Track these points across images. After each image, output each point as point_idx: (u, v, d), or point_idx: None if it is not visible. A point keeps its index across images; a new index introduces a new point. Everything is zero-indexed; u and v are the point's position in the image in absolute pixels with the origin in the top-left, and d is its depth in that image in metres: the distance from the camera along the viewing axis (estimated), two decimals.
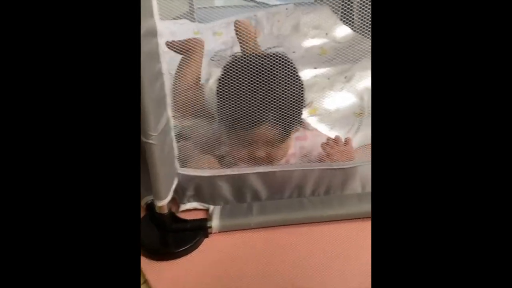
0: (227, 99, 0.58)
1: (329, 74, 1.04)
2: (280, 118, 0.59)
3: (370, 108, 0.90)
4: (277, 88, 0.57)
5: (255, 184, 0.67)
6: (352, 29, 1.29)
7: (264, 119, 0.59)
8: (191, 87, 0.81)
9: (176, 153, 0.63)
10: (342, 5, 1.19)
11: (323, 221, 0.67)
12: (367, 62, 1.03)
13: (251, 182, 0.66)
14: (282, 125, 0.60)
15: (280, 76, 0.57)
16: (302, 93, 0.61)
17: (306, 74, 1.06)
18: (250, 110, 0.57)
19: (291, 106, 0.58)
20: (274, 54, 0.59)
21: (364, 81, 0.98)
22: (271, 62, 0.57)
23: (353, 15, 1.20)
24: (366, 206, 0.66)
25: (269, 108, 0.58)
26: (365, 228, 0.65)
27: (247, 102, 0.57)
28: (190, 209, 0.69)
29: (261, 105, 0.57)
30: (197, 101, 0.72)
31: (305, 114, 0.88)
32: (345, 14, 1.23)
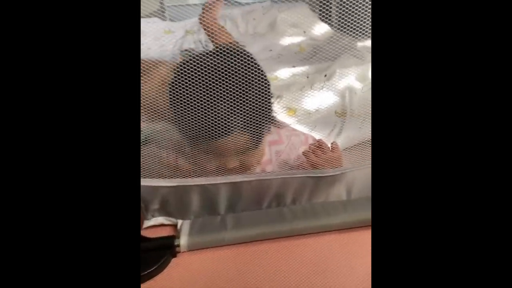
0: (182, 108, 0.48)
1: (308, 72, 0.98)
2: (249, 120, 0.50)
3: (352, 108, 0.85)
4: (240, 88, 0.48)
5: (229, 194, 0.59)
6: (330, 26, 1.24)
7: (231, 127, 0.50)
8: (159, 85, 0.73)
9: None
10: (320, 2, 1.15)
11: (306, 232, 0.60)
12: (348, 59, 0.98)
13: (225, 192, 0.59)
14: (253, 129, 0.52)
15: (240, 74, 0.48)
16: (268, 88, 0.53)
17: (283, 73, 1.00)
18: (212, 118, 0.49)
19: (258, 106, 0.50)
20: (228, 49, 0.50)
21: (345, 79, 0.93)
22: (226, 59, 0.48)
23: (331, 12, 1.16)
24: (353, 216, 0.60)
25: (234, 114, 0.49)
26: (350, 240, 0.59)
27: (207, 110, 0.48)
28: (155, 225, 0.61)
29: (224, 112, 0.49)
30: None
31: (279, 112, 0.81)
32: (323, 11, 1.19)
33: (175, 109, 0.49)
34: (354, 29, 0.54)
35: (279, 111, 0.80)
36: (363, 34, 0.55)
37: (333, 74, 0.96)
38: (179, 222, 0.60)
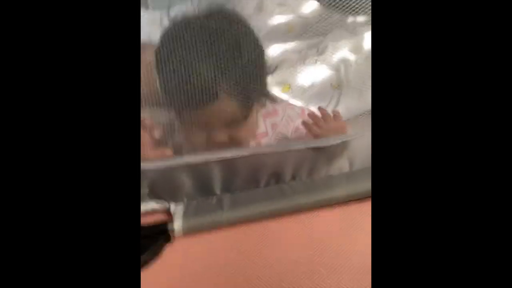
0: (169, 73, 0.45)
1: (300, 48, 0.94)
2: (238, 86, 0.46)
3: (348, 79, 0.81)
4: (230, 51, 0.45)
5: (224, 173, 0.55)
6: (320, 2, 1.20)
7: (217, 90, 0.46)
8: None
9: None
10: None
11: (308, 209, 0.56)
12: (340, 33, 0.94)
13: (218, 171, 0.54)
14: (242, 95, 0.47)
15: (232, 37, 0.45)
16: (261, 55, 0.49)
17: (274, 50, 0.96)
18: (199, 82, 0.45)
19: (249, 71, 0.46)
20: (220, 11, 0.46)
21: (338, 52, 0.89)
22: (218, 22, 0.44)
23: None
24: (356, 187, 0.56)
25: (223, 77, 0.45)
26: (357, 213, 0.55)
27: (194, 73, 0.45)
28: (147, 210, 0.57)
29: (212, 75, 0.45)
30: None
31: (274, 89, 0.77)
32: None
33: (161, 74, 0.45)
34: (344, 5, 0.52)
35: (273, 87, 0.76)
36: (353, 10, 0.53)
37: (326, 48, 0.92)
38: (172, 205, 0.56)
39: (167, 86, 0.46)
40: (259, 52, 0.49)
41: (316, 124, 0.56)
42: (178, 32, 0.44)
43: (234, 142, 0.53)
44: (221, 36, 0.44)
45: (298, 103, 0.75)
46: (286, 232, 0.53)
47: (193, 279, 0.49)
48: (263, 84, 0.53)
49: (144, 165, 0.52)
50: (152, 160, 0.53)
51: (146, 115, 0.53)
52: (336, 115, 0.58)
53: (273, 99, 0.65)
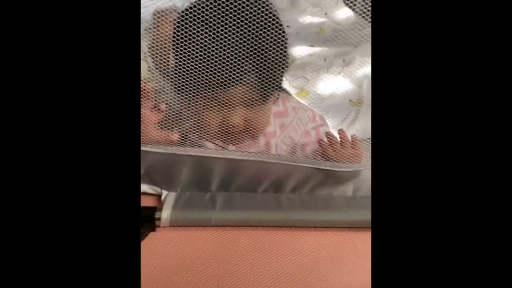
0: (189, 49, 0.42)
1: (326, 54, 0.91)
2: (260, 75, 0.44)
3: (369, 98, 0.78)
4: (255, 38, 0.42)
5: (224, 171, 0.53)
6: (354, 12, 1.16)
7: (240, 78, 0.44)
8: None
9: None
10: None
11: (301, 226, 0.54)
12: (369, 48, 0.90)
13: (219, 168, 0.52)
14: (262, 84, 0.45)
15: (257, 24, 0.42)
16: (285, 46, 0.47)
17: (300, 51, 0.92)
18: (221, 68, 0.43)
19: (272, 61, 0.44)
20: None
21: (364, 67, 0.85)
22: (245, 6, 0.41)
23: None
24: (356, 214, 0.54)
25: (246, 65, 0.43)
26: (350, 240, 0.53)
27: (216, 58, 0.42)
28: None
29: (235, 61, 0.43)
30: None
31: (290, 90, 0.74)
32: None
33: (178, 57, 0.42)
34: None
35: (291, 89, 0.73)
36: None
37: (352, 61, 0.89)
38: (164, 193, 0.54)
39: (186, 63, 0.43)
40: (283, 41, 0.46)
41: (332, 146, 0.53)
42: (204, 8, 0.41)
43: (247, 127, 0.50)
44: (250, 20, 0.41)
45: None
46: (275, 245, 0.51)
47: (169, 272, 0.47)
48: (280, 76, 0.50)
49: (144, 147, 0.50)
50: (154, 143, 0.50)
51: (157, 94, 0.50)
52: (355, 141, 0.55)
53: (285, 97, 0.62)
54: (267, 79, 0.45)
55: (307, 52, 0.91)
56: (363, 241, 0.53)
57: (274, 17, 0.44)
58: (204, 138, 0.50)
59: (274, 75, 0.46)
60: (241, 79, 0.44)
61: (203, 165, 0.51)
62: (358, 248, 0.52)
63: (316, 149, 0.57)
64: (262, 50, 0.43)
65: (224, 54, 0.42)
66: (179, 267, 0.47)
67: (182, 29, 0.43)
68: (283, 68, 0.47)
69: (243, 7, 0.42)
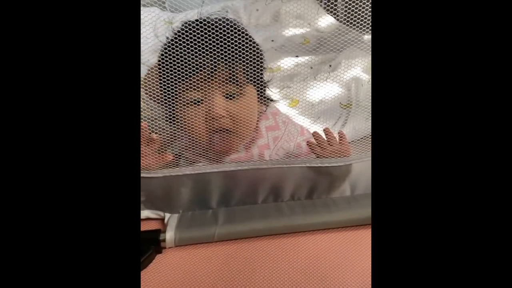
0: (170, 67, 0.47)
1: (312, 63, 0.93)
2: (231, 64, 0.49)
3: (358, 99, 0.79)
4: (224, 44, 0.47)
5: (222, 186, 0.54)
6: (336, 18, 1.19)
7: (215, 68, 0.49)
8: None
9: None
10: None
11: (303, 231, 0.54)
12: (354, 51, 0.92)
13: (217, 183, 0.53)
14: (237, 73, 0.50)
15: (225, 34, 0.47)
16: (258, 52, 0.51)
17: (286, 63, 0.94)
18: (199, 66, 0.48)
19: (242, 57, 0.48)
20: (216, 18, 0.49)
21: (351, 70, 0.87)
22: (216, 27, 0.47)
23: (337, 4, 1.11)
24: (357, 212, 0.55)
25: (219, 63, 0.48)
26: (354, 239, 0.53)
27: (195, 68, 0.47)
28: (141, 218, 0.56)
29: (211, 60, 0.48)
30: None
31: (282, 106, 0.76)
32: (328, 3, 1.15)
33: (163, 72, 0.48)
34: (361, 22, 0.52)
35: (280, 101, 0.75)
36: (370, 28, 0.52)
37: (338, 65, 0.91)
38: (167, 216, 0.55)
39: (168, 79, 0.48)
40: (254, 47, 0.51)
41: (320, 145, 0.55)
42: (182, 34, 0.46)
43: (231, 117, 0.51)
44: (217, 34, 0.46)
45: (305, 119, 0.73)
46: (279, 252, 0.52)
47: None
48: (259, 80, 0.53)
49: (142, 173, 0.52)
50: (151, 168, 0.52)
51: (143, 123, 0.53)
52: (341, 137, 0.56)
53: (274, 110, 0.64)
54: (236, 68, 0.49)
55: (293, 63, 0.93)
56: (366, 239, 0.53)
57: (237, 25, 0.49)
58: (198, 149, 0.52)
59: (243, 66, 0.50)
60: (214, 68, 0.49)
61: (200, 183, 0.53)
62: (362, 246, 0.52)
63: (305, 150, 0.58)
64: (232, 56, 0.48)
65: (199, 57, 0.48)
66: (187, 286, 0.48)
67: (166, 51, 0.48)
68: (258, 70, 0.51)
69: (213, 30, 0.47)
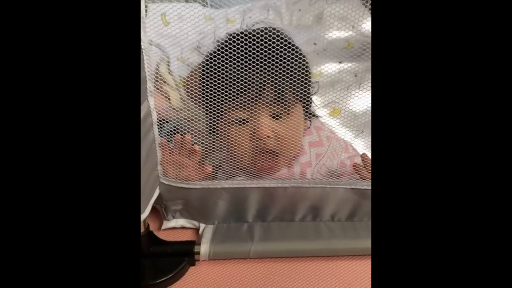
0: (215, 85, 0.45)
1: (357, 70, 0.88)
2: (278, 84, 0.47)
3: None
4: (272, 62, 0.45)
5: (260, 201, 0.52)
6: None
7: (262, 88, 0.47)
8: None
9: (159, 157, 0.49)
10: None
11: (342, 255, 0.52)
12: None
13: (255, 197, 0.52)
14: (281, 93, 0.48)
15: (273, 51, 0.45)
16: (305, 65, 0.50)
17: (329, 68, 0.91)
18: (246, 85, 0.46)
19: (291, 76, 0.47)
20: (262, 29, 0.46)
21: None
22: (260, 39, 0.44)
23: None
24: None
25: (266, 83, 0.46)
26: None
27: (239, 83, 0.45)
28: (175, 227, 0.55)
29: (257, 77, 0.46)
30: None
31: (322, 114, 0.73)
32: None
33: (206, 88, 0.46)
34: None
35: (321, 110, 0.72)
36: None
37: None
38: (202, 226, 0.54)
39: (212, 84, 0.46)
40: (303, 63, 0.49)
41: (367, 168, 0.52)
42: (223, 47, 0.44)
43: (277, 138, 0.49)
44: (265, 50, 0.44)
45: (347, 131, 0.70)
46: (316, 276, 0.50)
47: None
48: (307, 99, 0.51)
49: (180, 183, 0.50)
50: (191, 179, 0.50)
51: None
52: None
53: (318, 125, 0.61)
54: (284, 88, 0.48)
55: (336, 69, 0.89)
56: None
57: (288, 42, 0.46)
58: (239, 164, 0.50)
59: (291, 86, 0.48)
60: (261, 88, 0.47)
61: (238, 197, 0.51)
62: None
63: (349, 168, 0.55)
64: (278, 70, 0.46)
65: (245, 75, 0.46)
66: None
67: (210, 61, 0.46)
68: (305, 84, 0.49)
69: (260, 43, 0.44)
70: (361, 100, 0.79)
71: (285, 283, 0.49)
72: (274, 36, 0.45)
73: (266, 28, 0.46)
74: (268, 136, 0.48)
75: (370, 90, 0.82)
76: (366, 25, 1.22)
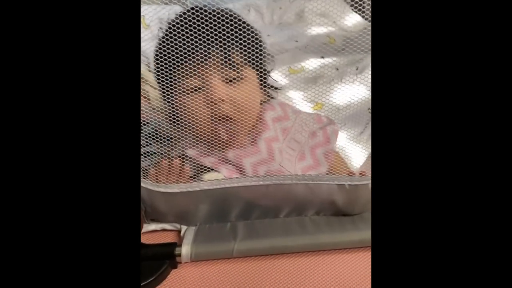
0: (168, 59, 0.46)
1: (338, 64, 0.88)
2: (225, 46, 0.48)
3: None
4: (218, 29, 0.46)
5: (242, 200, 0.51)
6: (363, 17, 1.13)
7: (210, 52, 0.48)
8: None
9: None
10: None
11: (328, 249, 0.50)
12: None
13: (237, 198, 0.50)
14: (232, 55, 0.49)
15: (221, 23, 0.45)
16: (254, 34, 0.49)
17: (311, 64, 0.90)
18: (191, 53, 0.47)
19: (237, 39, 0.47)
20: (211, 7, 0.47)
21: None
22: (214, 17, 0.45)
23: (364, 1, 1.05)
24: None
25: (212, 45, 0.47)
26: None
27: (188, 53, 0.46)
28: (156, 230, 0.53)
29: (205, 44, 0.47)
30: None
31: (304, 106, 0.72)
32: (355, 0, 1.10)
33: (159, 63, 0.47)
34: None
35: (302, 104, 0.71)
36: None
37: (366, 67, 0.86)
38: (183, 228, 0.52)
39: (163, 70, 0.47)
40: (249, 30, 0.49)
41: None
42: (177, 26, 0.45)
43: (232, 102, 0.50)
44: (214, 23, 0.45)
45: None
46: (302, 272, 0.48)
47: None
48: (258, 63, 0.50)
49: (156, 187, 0.49)
50: (170, 183, 0.49)
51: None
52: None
53: (274, 88, 0.62)
54: (231, 49, 0.49)
55: (318, 64, 0.89)
56: None
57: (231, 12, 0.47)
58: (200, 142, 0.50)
59: (238, 48, 0.48)
60: (208, 51, 0.48)
61: (219, 198, 0.50)
62: None
63: (327, 151, 0.54)
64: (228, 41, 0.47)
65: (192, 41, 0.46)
66: None
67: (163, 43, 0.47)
68: (248, 42, 0.48)
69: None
70: (343, 94, 0.78)
71: (270, 280, 0.47)
72: (219, 10, 0.46)
73: (213, 5, 0.47)
74: (222, 100, 0.49)
75: (352, 84, 0.81)
76: (347, 21, 1.21)
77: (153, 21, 0.60)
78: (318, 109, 0.76)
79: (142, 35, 0.64)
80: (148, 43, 0.80)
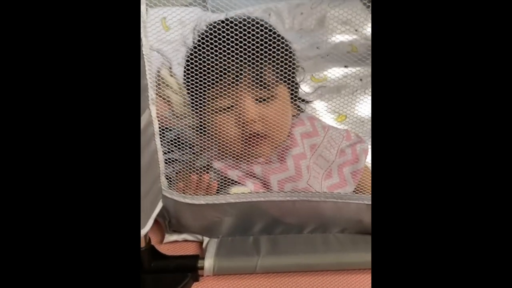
0: (199, 72, 0.45)
1: (362, 74, 0.86)
2: (257, 66, 0.46)
3: None
4: (249, 45, 0.44)
5: (267, 215, 0.50)
6: None
7: (242, 72, 0.46)
8: None
9: (163, 169, 0.46)
10: None
11: (352, 269, 0.49)
12: None
13: (261, 212, 0.49)
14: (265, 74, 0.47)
15: (251, 35, 0.44)
16: (285, 47, 0.47)
17: (334, 73, 0.89)
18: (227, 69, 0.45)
19: (269, 57, 0.45)
20: (241, 16, 0.45)
21: None
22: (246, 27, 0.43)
23: None
24: None
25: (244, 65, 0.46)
26: None
27: (220, 74, 0.45)
28: (178, 240, 0.53)
29: (238, 62, 0.45)
30: None
31: (327, 118, 0.71)
32: None
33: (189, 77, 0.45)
34: None
35: (325, 115, 0.70)
36: None
37: None
38: (206, 239, 0.51)
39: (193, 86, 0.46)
40: (282, 45, 0.47)
41: None
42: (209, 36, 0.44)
43: (264, 121, 0.48)
44: (244, 34, 0.43)
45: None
46: None
47: None
48: (290, 80, 0.50)
49: (181, 198, 0.48)
50: (191, 193, 0.48)
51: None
52: None
53: (309, 114, 0.60)
54: (263, 69, 0.47)
55: (341, 73, 0.87)
56: None
57: (261, 23, 0.45)
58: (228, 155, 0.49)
59: (271, 67, 0.47)
60: (239, 71, 0.46)
61: (244, 212, 0.49)
62: None
63: (355, 170, 0.53)
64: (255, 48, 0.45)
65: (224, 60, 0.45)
66: None
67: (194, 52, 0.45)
68: (280, 59, 0.47)
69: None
70: (368, 106, 0.77)
71: None
72: (252, 21, 0.44)
73: (245, 15, 0.46)
74: (254, 120, 0.47)
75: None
76: (369, 29, 1.20)
77: (174, 23, 0.59)
78: (341, 120, 0.75)
79: (162, 37, 0.64)
80: (167, 46, 0.79)
